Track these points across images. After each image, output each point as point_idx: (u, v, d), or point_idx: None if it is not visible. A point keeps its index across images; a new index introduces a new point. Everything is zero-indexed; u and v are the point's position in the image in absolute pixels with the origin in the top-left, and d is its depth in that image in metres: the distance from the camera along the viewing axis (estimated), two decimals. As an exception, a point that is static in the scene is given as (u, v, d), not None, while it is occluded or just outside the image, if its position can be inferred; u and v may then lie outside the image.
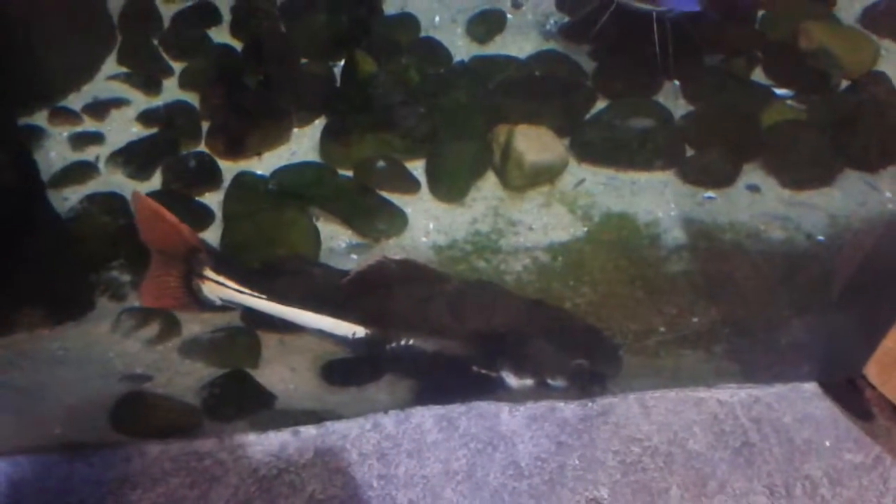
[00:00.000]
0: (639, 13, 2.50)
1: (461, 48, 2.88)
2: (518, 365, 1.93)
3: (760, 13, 2.85)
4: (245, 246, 2.20)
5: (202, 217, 2.33)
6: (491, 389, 1.91)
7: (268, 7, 2.93)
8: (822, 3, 2.87)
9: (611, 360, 1.99)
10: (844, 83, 2.65)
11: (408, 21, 2.96)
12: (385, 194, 2.42)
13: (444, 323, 1.94)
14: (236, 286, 1.99)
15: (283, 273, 2.01)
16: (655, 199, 2.41)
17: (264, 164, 2.52)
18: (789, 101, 2.60)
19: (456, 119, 2.58)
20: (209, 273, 1.99)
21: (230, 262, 2.04)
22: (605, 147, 2.50)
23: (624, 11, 2.54)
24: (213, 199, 2.41)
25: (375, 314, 1.95)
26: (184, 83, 2.76)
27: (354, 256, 2.29)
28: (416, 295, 1.96)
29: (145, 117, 2.64)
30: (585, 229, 2.35)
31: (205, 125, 2.60)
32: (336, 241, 2.32)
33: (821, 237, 2.29)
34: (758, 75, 2.70)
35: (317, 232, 2.30)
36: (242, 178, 2.43)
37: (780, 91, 2.63)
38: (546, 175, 2.44)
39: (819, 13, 2.81)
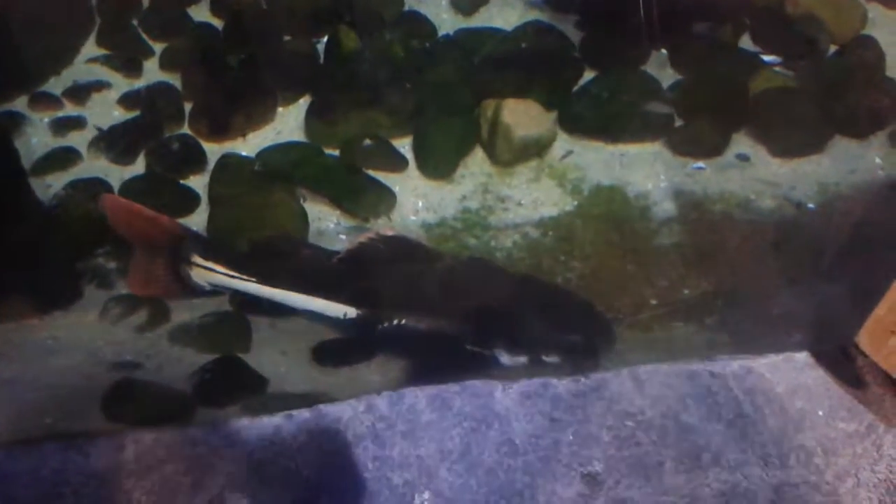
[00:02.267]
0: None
1: (446, 21, 2.84)
2: (511, 342, 1.92)
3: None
4: (232, 229, 2.18)
5: (187, 201, 2.31)
6: (484, 367, 1.90)
7: (248, -17, 2.88)
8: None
9: (603, 334, 1.98)
10: (833, 48, 2.62)
11: (392, -6, 2.91)
12: (372, 173, 2.39)
13: (436, 301, 1.93)
14: (225, 270, 1.97)
15: (272, 255, 2.00)
16: (645, 171, 2.39)
17: (249, 145, 2.49)
18: (777, 68, 2.57)
19: (442, 94, 2.55)
20: (197, 259, 1.97)
21: (218, 247, 2.02)
22: (593, 119, 2.47)
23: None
24: (198, 182, 2.38)
25: (367, 294, 1.94)
26: (165, 64, 2.71)
27: (343, 237, 2.27)
28: (408, 273, 1.95)
29: (127, 100, 2.60)
30: (575, 203, 2.33)
31: (188, 106, 2.56)
32: (324, 221, 2.30)
33: (811, 205, 2.29)
34: (745, 42, 2.67)
35: (304, 213, 2.28)
36: (227, 160, 2.40)
37: (767, 58, 2.61)
38: (534, 149, 2.42)
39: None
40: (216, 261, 1.97)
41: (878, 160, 2.34)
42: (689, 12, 2.68)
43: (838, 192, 2.30)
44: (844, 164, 2.34)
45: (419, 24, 2.81)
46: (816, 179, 2.32)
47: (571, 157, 2.43)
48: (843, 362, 1.87)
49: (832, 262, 2.16)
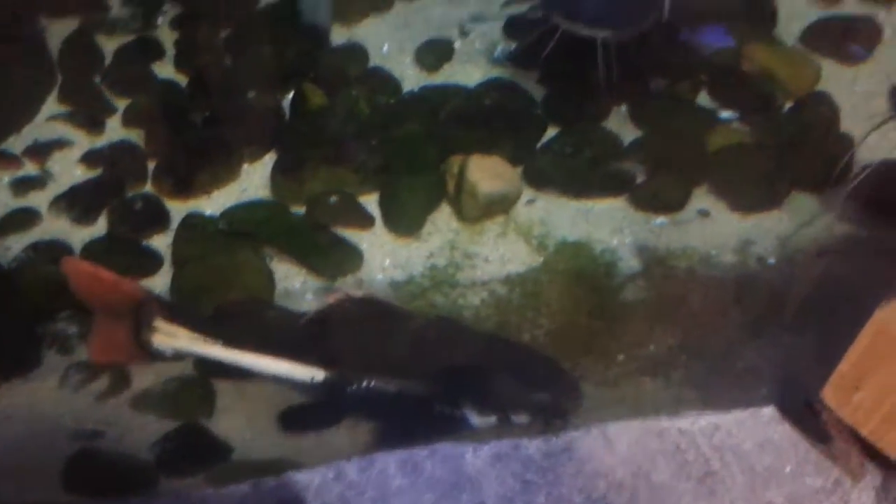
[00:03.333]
0: (584, 39, 2.53)
1: (411, 77, 2.87)
2: (480, 402, 1.92)
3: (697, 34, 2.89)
4: (197, 291, 2.15)
5: (150, 262, 2.28)
6: (454, 429, 1.89)
7: (212, 40, 2.89)
8: (763, 25, 2.93)
9: (572, 392, 1.99)
10: (788, 104, 2.69)
11: (356, 51, 2.93)
12: (339, 230, 2.39)
13: (405, 362, 1.93)
14: (189, 334, 1.94)
15: (237, 318, 1.98)
16: (610, 227, 2.42)
17: (214, 204, 2.47)
18: (734, 124, 2.64)
19: (408, 150, 2.57)
20: (159, 323, 1.94)
21: (181, 310, 1.99)
22: (558, 175, 2.50)
23: (570, 37, 2.56)
24: (161, 243, 2.35)
25: (336, 356, 1.93)
26: (128, 121, 2.69)
27: (310, 296, 2.25)
28: (377, 334, 1.94)
29: (89, 158, 2.57)
30: (542, 259, 2.35)
31: (151, 165, 2.54)
32: (291, 280, 2.29)
33: (771, 260, 2.33)
34: (703, 99, 2.74)
35: (270, 273, 2.26)
36: (191, 220, 2.38)
37: (725, 113, 2.67)
38: (501, 205, 2.44)
39: (761, 35, 2.86)
40: (180, 325, 1.94)
41: (834, 214, 2.40)
42: (648, 69, 2.74)
43: (797, 245, 2.35)
44: (802, 218, 2.39)
45: (384, 80, 2.83)
46: (776, 234, 2.37)
47: (537, 213, 2.45)
48: (808, 417, 1.89)
49: (795, 315, 2.20)
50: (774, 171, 2.46)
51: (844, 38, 2.86)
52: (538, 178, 2.52)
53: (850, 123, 2.58)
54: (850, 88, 2.72)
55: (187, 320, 1.95)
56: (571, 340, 2.17)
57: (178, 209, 2.43)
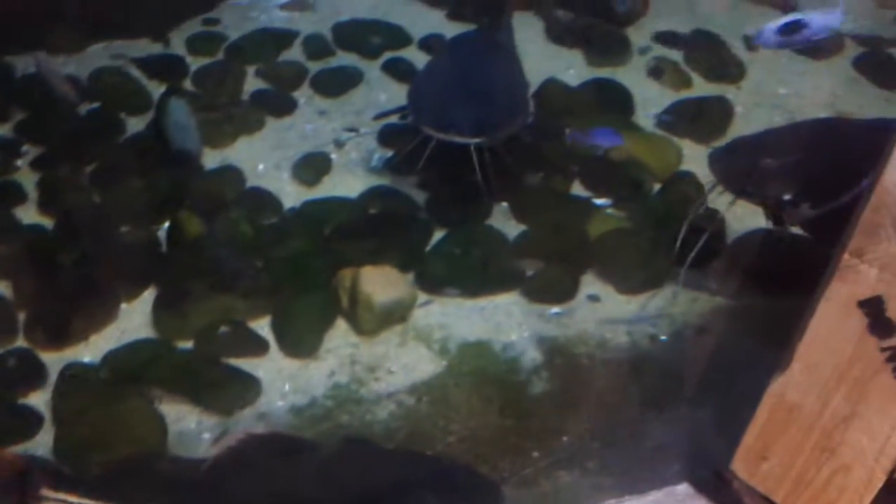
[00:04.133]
0: (457, 145, 2.60)
1: (290, 194, 2.84)
2: (400, 524, 1.84)
3: (567, 130, 3.04)
4: (83, 449, 1.99)
5: (29, 423, 2.09)
6: (376, 559, 1.81)
7: (77, 177, 2.78)
8: (622, 114, 3.11)
9: (491, 498, 1.95)
10: (657, 186, 2.84)
11: (230, 173, 2.89)
12: (232, 361, 2.29)
13: (316, 496, 1.83)
14: (79, 500, 1.78)
15: (130, 476, 1.83)
16: (506, 323, 2.44)
17: (93, 350, 2.31)
18: (609, 210, 2.75)
19: (297, 269, 2.52)
20: (46, 492, 1.76)
21: (67, 475, 1.83)
22: (450, 277, 2.52)
23: (444, 144, 2.63)
24: (39, 399, 2.17)
25: (241, 502, 1.81)
26: (-8, 272, 2.53)
27: (207, 435, 2.13)
28: (285, 472, 1.84)
29: (-50, 316, 2.38)
30: (445, 363, 2.33)
31: (21, 316, 2.37)
32: (184, 422, 2.15)
33: (663, 337, 2.41)
34: (577, 188, 2.85)
35: (161, 417, 2.13)
36: (70, 370, 2.21)
37: (599, 201, 2.79)
38: (397, 313, 2.42)
39: (620, 123, 3.03)
40: (68, 491, 1.78)
41: (714, 285, 2.52)
42: (522, 166, 2.83)
43: (685, 321, 2.44)
44: (686, 294, 2.49)
45: (263, 199, 2.79)
46: (663, 312, 2.45)
47: (435, 317, 2.45)
48: (721, 488, 1.92)
49: (694, 389, 2.27)
50: (652, 252, 2.56)
51: (698, 118, 3.08)
52: (431, 282, 2.52)
53: (714, 197, 2.74)
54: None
55: (76, 485, 1.79)
56: (485, 443, 2.15)
57: (54, 360, 2.26)
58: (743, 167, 2.27)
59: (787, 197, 2.22)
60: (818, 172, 2.20)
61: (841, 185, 2.11)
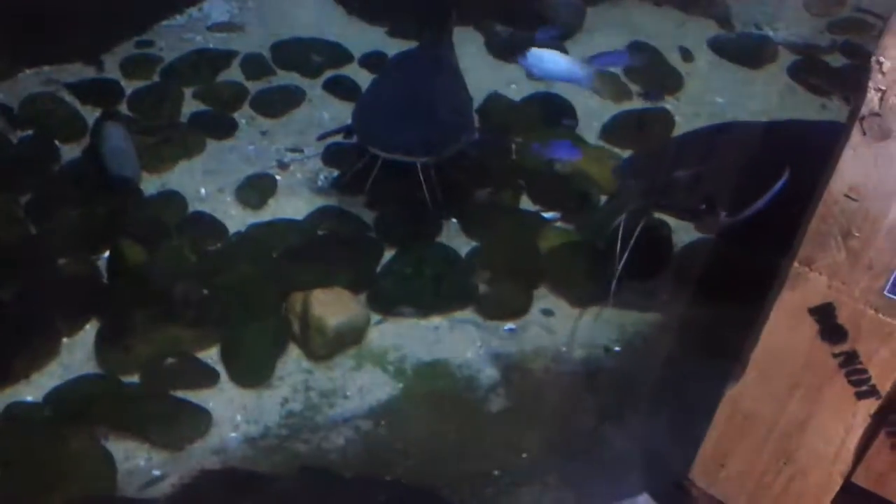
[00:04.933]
0: (404, 164, 2.58)
1: (235, 217, 2.78)
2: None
3: (513, 144, 3.05)
4: (28, 494, 1.90)
5: (-33, 468, 2.00)
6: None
7: (11, 209, 2.67)
8: (568, 127, 3.13)
9: (455, 520, 1.94)
10: (603, 197, 2.87)
11: (171, 199, 2.81)
12: (181, 394, 2.22)
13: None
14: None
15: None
16: (461, 341, 2.42)
17: (35, 388, 2.21)
18: (558, 224, 2.77)
19: (245, 295, 2.46)
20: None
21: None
22: (402, 297, 2.49)
23: (390, 163, 2.61)
24: (-21, 442, 2.08)
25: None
26: (-79, 312, 2.40)
27: (157, 472, 2.05)
28: (240, 509, 1.79)
29: None
30: (401, 385, 2.30)
31: (-45, 356, 2.27)
32: (133, 460, 2.07)
33: (617, 348, 2.42)
34: (525, 203, 2.86)
35: (109, 455, 2.05)
36: (12, 410, 2.11)
37: (547, 215, 2.80)
38: (351, 336, 2.38)
39: (566, 136, 3.05)
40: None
41: (664, 297, 2.55)
42: (469, 182, 2.83)
43: (636, 331, 2.46)
44: (636, 306, 2.52)
45: (207, 224, 2.72)
46: (616, 323, 2.48)
47: (389, 338, 2.42)
48: (681, 497, 1.94)
49: (650, 399, 2.28)
50: (601, 264, 2.57)
51: (641, 129, 3.12)
52: (384, 303, 2.49)
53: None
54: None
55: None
56: (445, 464, 2.12)
57: (-7, 401, 2.17)
58: (654, 181, 2.26)
59: (702, 206, 2.21)
60: (729, 178, 2.19)
61: (754, 188, 2.14)
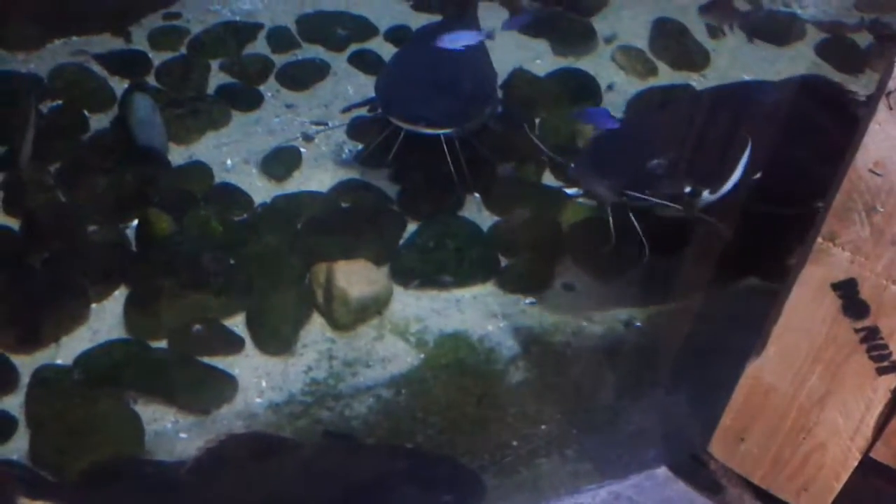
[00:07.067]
0: (427, 136, 2.60)
1: (260, 189, 2.81)
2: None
3: (537, 119, 3.05)
4: (60, 453, 1.95)
5: (2, 428, 2.05)
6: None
7: (41, 177, 2.71)
8: (590, 103, 3.12)
9: (474, 488, 1.97)
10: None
11: (198, 169, 2.84)
12: (207, 359, 2.27)
13: (300, 497, 1.82)
14: (58, 507, 1.76)
15: (109, 481, 1.81)
16: (482, 314, 2.45)
17: (65, 352, 2.27)
18: (580, 199, 2.76)
19: (270, 265, 2.50)
20: (24, 501, 1.74)
21: (45, 481, 1.80)
22: (424, 270, 2.52)
23: (414, 135, 2.62)
24: (12, 403, 2.12)
25: None
26: (-44, 278, 2.46)
27: (184, 435, 2.11)
28: (267, 472, 1.83)
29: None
30: (422, 356, 2.33)
31: (-12, 320, 2.32)
32: (161, 422, 2.13)
33: (638, 323, 2.44)
34: (548, 178, 2.87)
35: (137, 418, 2.10)
36: (43, 374, 2.17)
37: (570, 190, 2.79)
38: (373, 307, 2.41)
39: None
40: (46, 498, 1.75)
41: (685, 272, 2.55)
42: (493, 156, 2.84)
43: (658, 308, 2.47)
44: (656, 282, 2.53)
45: (233, 195, 2.76)
46: (638, 298, 2.48)
47: (411, 310, 2.45)
48: (699, 470, 1.96)
49: (671, 374, 2.30)
50: (622, 240, 2.58)
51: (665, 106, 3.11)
52: (406, 275, 2.52)
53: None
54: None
55: (55, 492, 1.76)
56: (465, 433, 2.16)
57: (26, 364, 2.21)
58: (624, 174, 2.10)
59: (687, 189, 2.08)
60: (703, 154, 2.08)
61: (730, 159, 2.04)
